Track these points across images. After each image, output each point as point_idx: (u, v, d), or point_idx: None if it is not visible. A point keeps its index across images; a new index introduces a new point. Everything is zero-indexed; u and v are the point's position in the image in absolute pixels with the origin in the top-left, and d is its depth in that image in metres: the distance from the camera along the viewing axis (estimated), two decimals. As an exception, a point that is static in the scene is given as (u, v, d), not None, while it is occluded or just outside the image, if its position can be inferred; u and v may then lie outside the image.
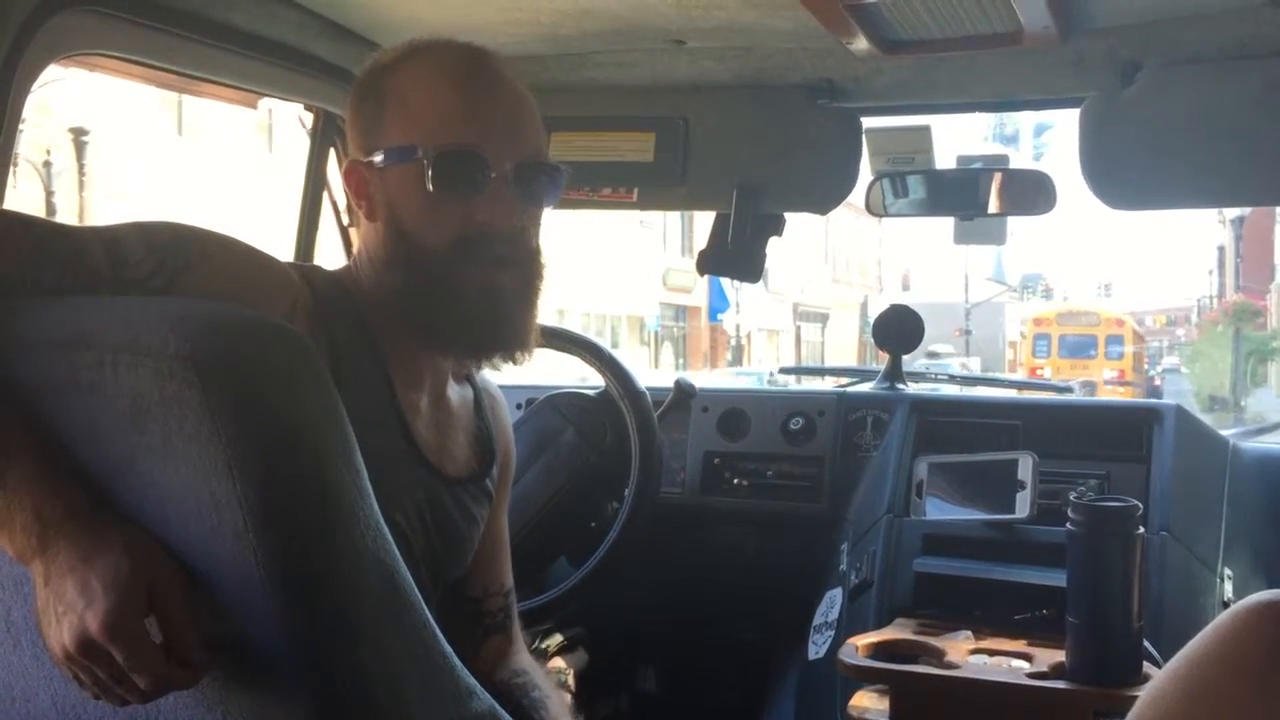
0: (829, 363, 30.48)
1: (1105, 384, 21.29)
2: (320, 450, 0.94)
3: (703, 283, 26.86)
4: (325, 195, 2.17)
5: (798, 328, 36.42)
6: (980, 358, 36.35)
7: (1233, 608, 0.92)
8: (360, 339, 1.28)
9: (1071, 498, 1.65)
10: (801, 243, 31.72)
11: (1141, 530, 1.55)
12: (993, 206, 2.10)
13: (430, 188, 1.25)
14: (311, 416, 0.95)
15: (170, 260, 1.12)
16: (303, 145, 2.16)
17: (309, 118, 2.15)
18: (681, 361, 29.11)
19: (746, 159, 2.12)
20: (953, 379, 2.64)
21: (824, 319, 38.39)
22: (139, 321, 0.96)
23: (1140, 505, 1.56)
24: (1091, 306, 28.74)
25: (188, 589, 0.93)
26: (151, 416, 0.91)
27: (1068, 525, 1.57)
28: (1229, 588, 1.88)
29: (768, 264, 2.18)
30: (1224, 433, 2.18)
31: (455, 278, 1.27)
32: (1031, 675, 1.60)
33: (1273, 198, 1.91)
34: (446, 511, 1.37)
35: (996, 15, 1.72)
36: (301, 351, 0.99)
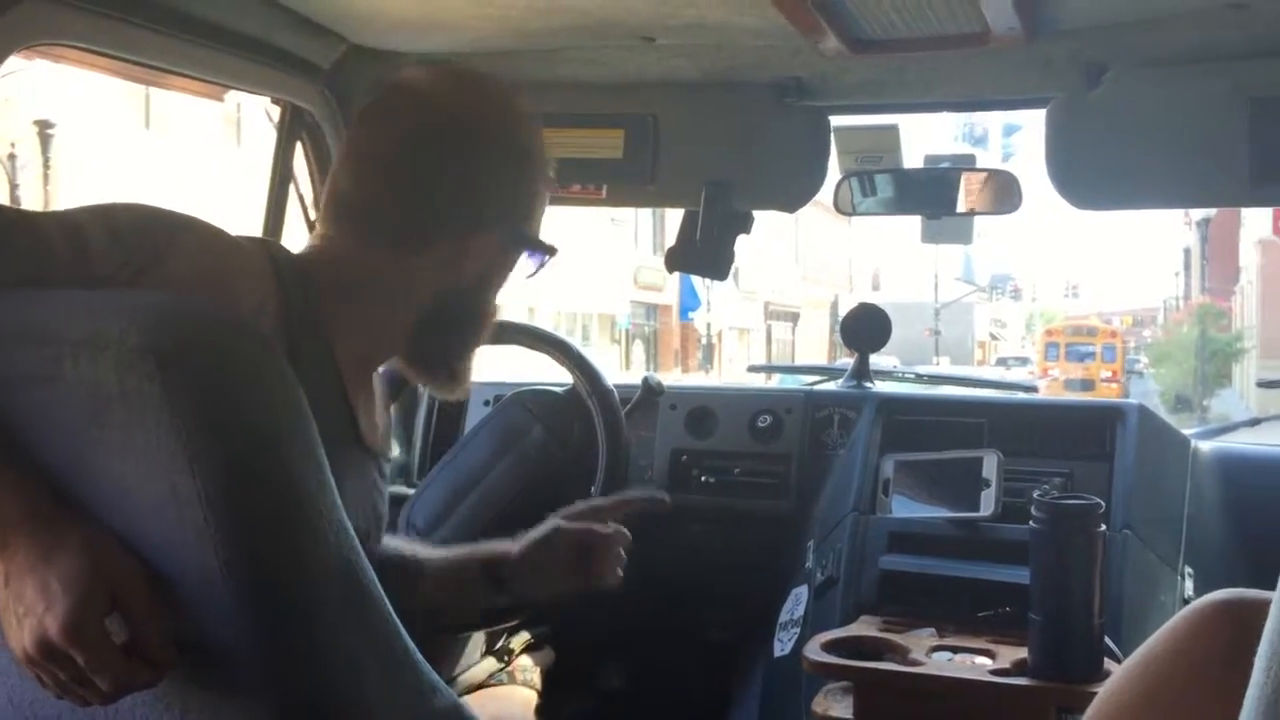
0: (799, 361, 30.75)
1: (1102, 381, 27.49)
2: (282, 445, 0.94)
3: (674, 281, 26.90)
4: (291, 190, 2.15)
5: (769, 326, 36.52)
6: (949, 357, 36.67)
7: (1188, 607, 0.93)
8: (316, 334, 1.27)
9: (1035, 496, 1.65)
10: (773, 242, 31.83)
11: (1103, 528, 1.56)
12: (960, 206, 2.12)
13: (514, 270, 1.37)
14: (273, 411, 0.94)
15: (136, 254, 1.10)
16: (270, 139, 2.15)
17: (276, 111, 2.14)
18: (653, 360, 29.13)
19: (715, 156, 2.12)
20: (919, 377, 2.66)
21: (795, 318, 38.51)
22: (99, 314, 0.95)
23: (1102, 503, 1.57)
24: (1092, 322, 35.41)
25: (150, 586, 0.92)
26: (111, 410, 0.90)
27: (1031, 523, 1.58)
28: (1189, 585, 1.89)
29: (738, 263, 2.19)
30: (1185, 432, 2.20)
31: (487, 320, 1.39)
32: (994, 672, 1.61)
33: (1237, 199, 1.93)
34: (382, 496, 1.41)
35: (964, 15, 1.73)
36: (263, 346, 0.99)
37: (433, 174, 1.27)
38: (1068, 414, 2.18)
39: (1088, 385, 26.98)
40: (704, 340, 30.39)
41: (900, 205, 2.20)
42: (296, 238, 2.16)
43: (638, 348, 29.60)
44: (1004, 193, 2.07)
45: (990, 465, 1.92)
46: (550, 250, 1.38)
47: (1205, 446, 2.14)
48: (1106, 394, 25.13)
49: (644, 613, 2.34)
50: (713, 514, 2.32)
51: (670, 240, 2.19)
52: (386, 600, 1.02)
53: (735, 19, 1.82)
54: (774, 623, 2.06)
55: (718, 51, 2.01)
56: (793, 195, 2.10)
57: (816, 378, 2.62)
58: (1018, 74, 1.96)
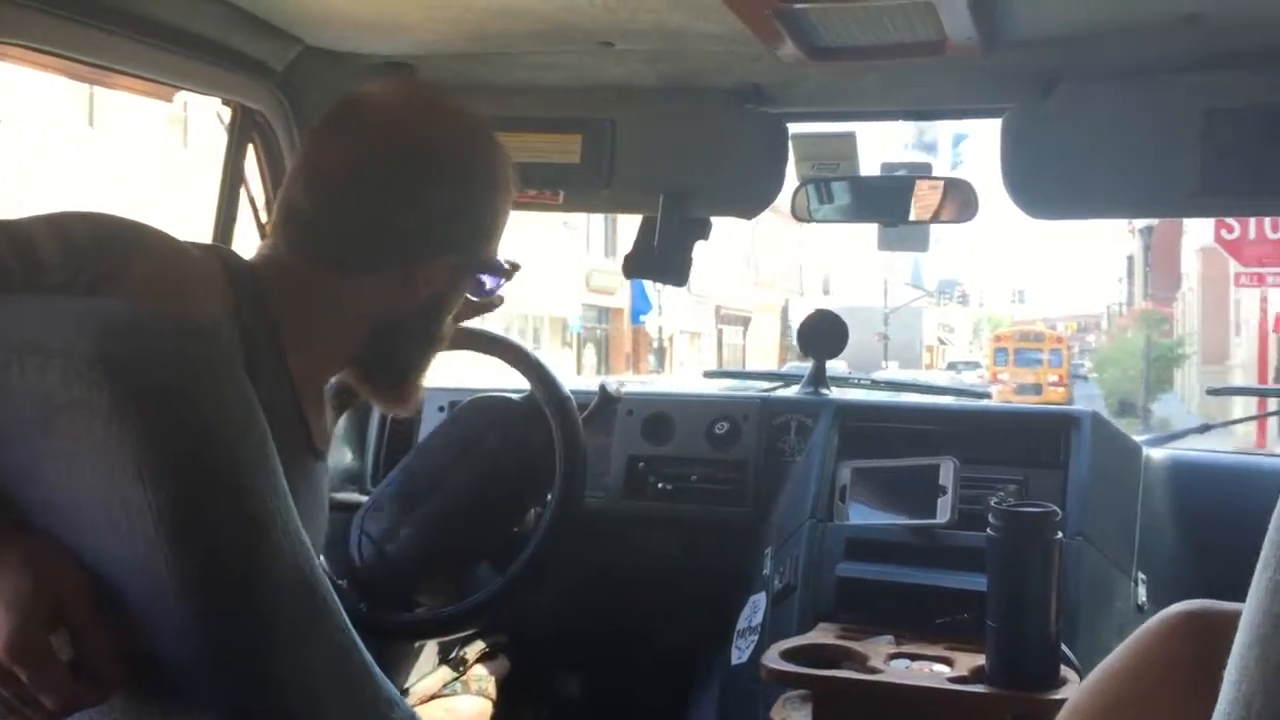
0: (750, 366, 31.03)
1: (1049, 385, 28.67)
2: (236, 454, 0.92)
3: (625, 284, 26.93)
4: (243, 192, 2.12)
5: (720, 330, 36.65)
6: (898, 361, 37.05)
7: (1153, 618, 0.93)
8: (270, 344, 1.24)
9: (992, 503, 1.66)
10: (725, 246, 31.97)
11: (1060, 535, 1.57)
12: (916, 214, 2.12)
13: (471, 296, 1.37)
14: (227, 419, 0.93)
15: (91, 267, 1.08)
16: (219, 139, 2.11)
17: (226, 113, 2.10)
18: (604, 363, 29.14)
19: (673, 162, 2.11)
20: (875, 384, 2.67)
21: (746, 322, 38.67)
22: (47, 321, 0.93)
23: (1059, 510, 1.58)
24: (1039, 328, 37.38)
25: (98, 601, 0.90)
26: (60, 420, 0.88)
27: (988, 530, 1.59)
28: (1142, 592, 1.91)
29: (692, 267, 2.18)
30: (1136, 439, 2.22)
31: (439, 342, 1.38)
32: (952, 679, 1.62)
33: (1189, 209, 1.95)
34: (325, 502, 1.41)
35: (922, 25, 1.73)
36: (216, 352, 0.98)
37: (389, 195, 1.24)
38: (1022, 421, 2.19)
39: (1036, 389, 27.88)
40: (656, 344, 30.45)
41: (857, 213, 2.20)
42: (248, 242, 2.13)
43: (589, 351, 29.59)
44: (961, 201, 2.08)
45: (947, 472, 1.93)
46: (508, 273, 1.36)
47: (1157, 454, 2.16)
48: (1053, 398, 26.00)
49: (600, 620, 2.33)
50: (669, 521, 2.31)
51: (623, 243, 2.19)
52: (343, 611, 1.01)
53: (694, 25, 1.81)
54: (731, 630, 2.05)
55: (676, 57, 2.00)
56: (750, 202, 2.09)
57: (772, 383, 2.61)
58: (974, 84, 1.97)
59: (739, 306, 37.34)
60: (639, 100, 2.11)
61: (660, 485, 2.30)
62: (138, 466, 0.85)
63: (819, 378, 2.41)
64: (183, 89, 1.92)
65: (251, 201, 2.12)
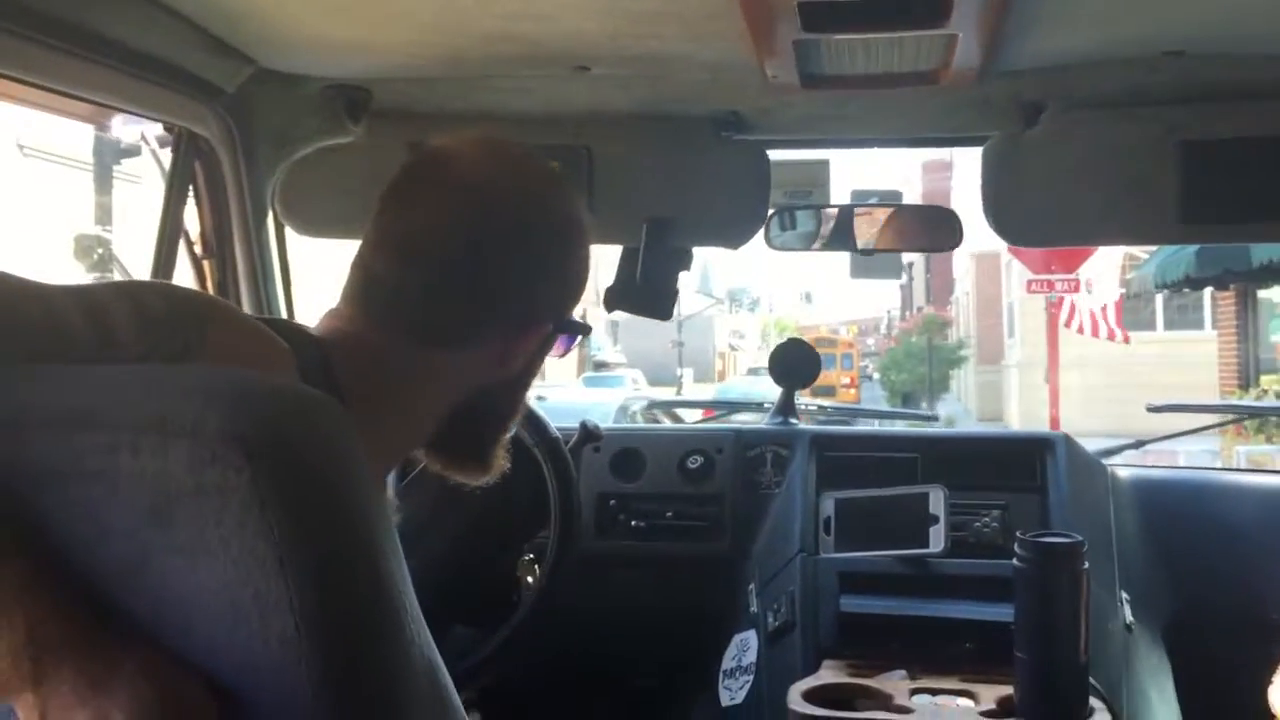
0: (550, 376, 31.19)
1: (841, 387, 29.72)
2: (374, 537, 0.83)
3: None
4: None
5: (520, 340, 36.50)
6: (693, 368, 37.75)
7: None
8: None
9: (1018, 534, 1.66)
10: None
11: (1087, 565, 1.59)
12: (887, 242, 2.11)
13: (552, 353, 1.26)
14: (364, 500, 0.83)
15: (165, 344, 0.96)
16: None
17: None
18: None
19: (653, 191, 2.03)
20: (822, 410, 2.66)
21: (546, 332, 38.66)
22: (162, 395, 0.81)
23: (1085, 540, 1.60)
24: (822, 332, 38.96)
25: (220, 710, 0.79)
26: (181, 508, 0.76)
27: (1015, 561, 1.60)
28: (1128, 611, 1.96)
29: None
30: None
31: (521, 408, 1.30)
32: (984, 714, 1.62)
33: (1166, 237, 2.01)
34: None
35: (927, 55, 1.72)
36: (346, 426, 0.88)
37: (486, 262, 1.13)
38: (997, 446, 2.22)
39: (830, 391, 28.85)
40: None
41: (828, 241, 2.17)
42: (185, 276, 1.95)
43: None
44: (939, 228, 2.08)
45: (937, 500, 1.93)
46: (586, 329, 1.28)
47: (1122, 472, 2.22)
48: (845, 398, 27.35)
49: (573, 665, 2.24)
50: (643, 559, 2.24)
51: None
52: (459, 700, 0.93)
53: (681, 50, 1.75)
54: (713, 670, 2.00)
55: (654, 83, 1.92)
56: (735, 231, 2.03)
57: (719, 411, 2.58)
58: (958, 112, 1.98)
59: (539, 316, 37.23)
60: (614, 126, 2.03)
61: (632, 523, 2.23)
62: (279, 556, 0.75)
63: (788, 407, 2.38)
64: (125, 111, 1.73)
65: (186, 234, 1.95)
